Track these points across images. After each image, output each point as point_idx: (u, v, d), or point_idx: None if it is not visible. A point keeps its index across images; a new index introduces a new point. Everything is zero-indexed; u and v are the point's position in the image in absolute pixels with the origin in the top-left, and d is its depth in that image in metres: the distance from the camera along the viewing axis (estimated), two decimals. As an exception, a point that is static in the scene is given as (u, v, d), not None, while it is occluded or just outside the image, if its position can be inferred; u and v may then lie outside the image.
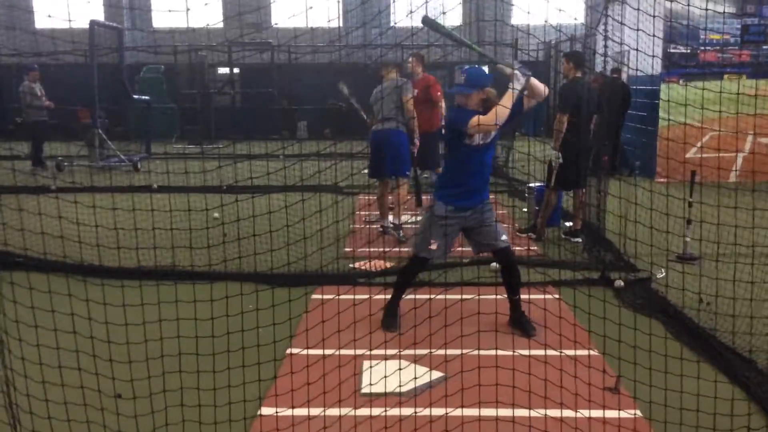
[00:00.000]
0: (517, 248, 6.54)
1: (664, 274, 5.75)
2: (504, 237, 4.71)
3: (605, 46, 7.15)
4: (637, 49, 4.32)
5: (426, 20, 4.44)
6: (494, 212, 4.77)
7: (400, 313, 4.83)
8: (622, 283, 5.68)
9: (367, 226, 8.03)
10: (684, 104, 4.50)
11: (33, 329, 3.17)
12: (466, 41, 4.89)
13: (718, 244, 4.54)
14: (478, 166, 4.64)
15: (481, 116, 4.44)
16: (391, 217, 7.70)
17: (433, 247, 4.65)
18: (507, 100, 4.37)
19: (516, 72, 4.34)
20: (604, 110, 7.48)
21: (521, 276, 4.81)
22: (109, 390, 3.35)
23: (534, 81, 4.44)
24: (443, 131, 4.78)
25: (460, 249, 5.79)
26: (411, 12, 3.54)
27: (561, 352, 3.92)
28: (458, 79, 4.57)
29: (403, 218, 7.69)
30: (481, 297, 4.05)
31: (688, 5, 4.35)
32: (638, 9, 4.99)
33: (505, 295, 4.76)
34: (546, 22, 4.07)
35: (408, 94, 7.20)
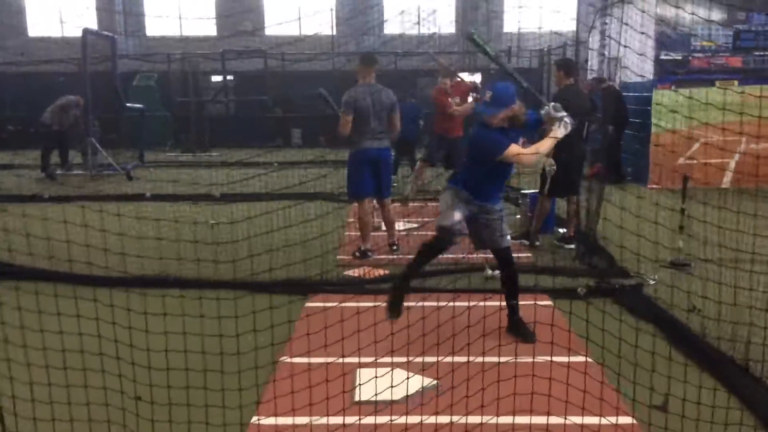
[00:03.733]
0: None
1: (656, 280, 5.75)
2: (507, 238, 4.75)
3: (603, 44, 7.15)
4: (623, 42, 4.32)
5: (469, 36, 4.54)
6: (502, 218, 4.79)
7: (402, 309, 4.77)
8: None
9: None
10: (706, 103, 4.57)
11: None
12: (507, 67, 4.97)
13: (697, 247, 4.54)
14: (495, 174, 4.69)
15: (517, 149, 4.48)
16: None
17: (457, 217, 4.62)
18: (545, 146, 4.50)
19: (565, 120, 4.39)
20: (599, 118, 7.49)
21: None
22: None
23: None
24: (469, 147, 4.82)
25: (451, 256, 5.79)
26: (403, 33, 3.55)
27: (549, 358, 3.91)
28: (485, 95, 4.70)
29: (399, 225, 7.63)
30: (476, 304, 4.04)
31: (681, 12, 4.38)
32: (624, 24, 5.00)
33: (501, 303, 4.75)
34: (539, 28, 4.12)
35: (398, 113, 6.98)
